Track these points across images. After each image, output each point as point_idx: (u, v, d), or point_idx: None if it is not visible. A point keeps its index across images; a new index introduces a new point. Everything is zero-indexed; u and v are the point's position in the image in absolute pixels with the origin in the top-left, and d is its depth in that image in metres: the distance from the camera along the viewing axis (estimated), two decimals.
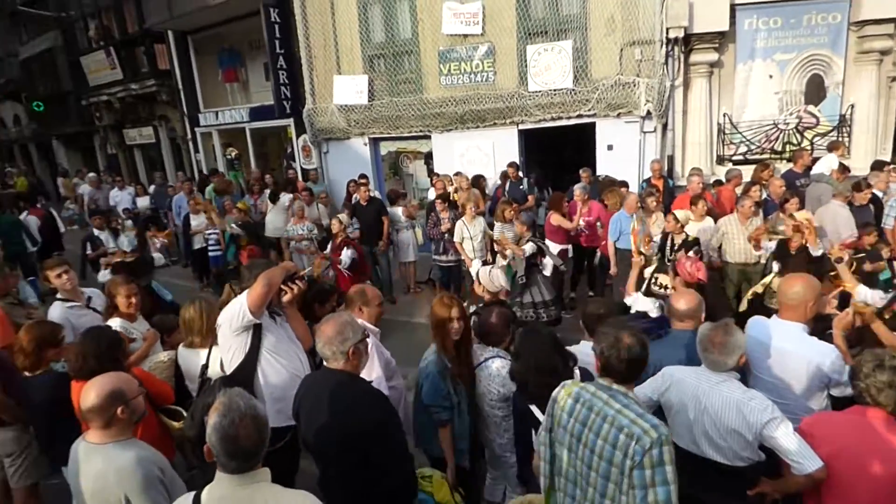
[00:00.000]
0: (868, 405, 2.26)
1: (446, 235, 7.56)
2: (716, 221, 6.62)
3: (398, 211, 8.47)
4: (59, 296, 4.17)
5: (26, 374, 3.20)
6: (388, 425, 2.50)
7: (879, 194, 6.78)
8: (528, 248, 6.48)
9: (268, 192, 9.82)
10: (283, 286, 3.06)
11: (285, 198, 9.01)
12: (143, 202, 12.24)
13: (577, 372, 2.75)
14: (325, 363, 2.54)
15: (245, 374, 2.97)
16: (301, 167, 11.99)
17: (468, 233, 7.21)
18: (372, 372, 3.09)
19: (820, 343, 2.85)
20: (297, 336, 3.24)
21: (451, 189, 8.56)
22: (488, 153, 9.94)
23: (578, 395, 2.20)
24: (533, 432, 2.75)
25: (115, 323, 3.68)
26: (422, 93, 10.11)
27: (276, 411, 2.93)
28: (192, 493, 1.87)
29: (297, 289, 3.14)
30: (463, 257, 7.35)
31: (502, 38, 9.35)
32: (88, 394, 2.20)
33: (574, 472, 2.16)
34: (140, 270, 5.41)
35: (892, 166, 7.47)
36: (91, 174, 14.84)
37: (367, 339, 2.64)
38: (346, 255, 7.25)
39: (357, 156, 10.99)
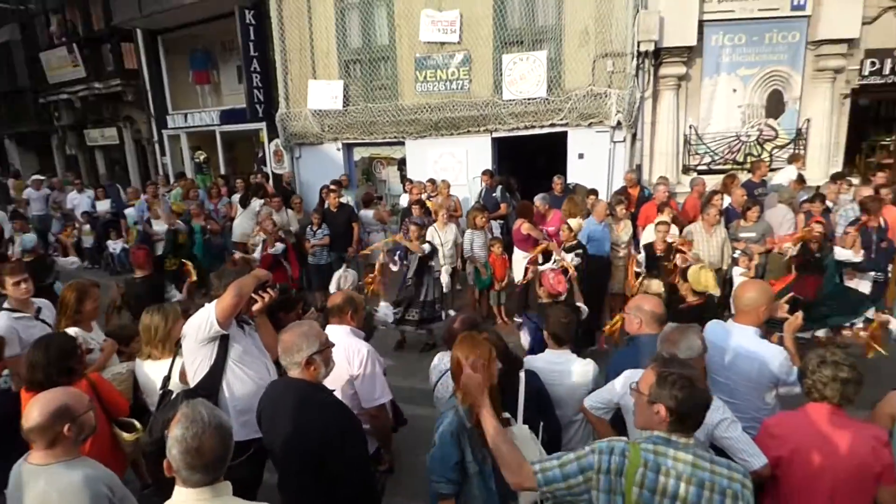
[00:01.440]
0: (817, 400, 2.38)
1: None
2: (681, 229, 6.78)
3: (369, 214, 8.44)
4: (5, 305, 3.88)
5: None
6: (346, 436, 2.47)
7: (830, 205, 7.03)
8: (426, 247, 6.63)
9: (236, 196, 9.64)
10: (253, 295, 3.01)
11: (256, 203, 8.86)
12: (103, 206, 11.85)
13: (521, 376, 2.78)
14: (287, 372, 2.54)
15: (210, 387, 2.88)
16: (272, 172, 11.83)
17: (439, 239, 7.20)
18: (376, 383, 3.10)
19: (771, 346, 2.98)
20: (266, 345, 3.17)
21: (424, 196, 8.55)
22: (461, 160, 9.98)
23: (657, 464, 1.86)
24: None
25: (71, 332, 3.53)
26: (397, 99, 10.10)
27: (242, 423, 2.86)
28: None
29: (269, 297, 3.09)
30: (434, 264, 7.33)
31: (478, 46, 9.41)
32: (31, 412, 2.07)
33: None
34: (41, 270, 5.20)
35: (842, 180, 7.76)
36: (35, 176, 14.19)
37: (331, 350, 2.58)
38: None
39: (330, 161, 10.90)
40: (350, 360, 3.05)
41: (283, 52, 10.65)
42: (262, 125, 11.74)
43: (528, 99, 9.17)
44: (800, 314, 3.20)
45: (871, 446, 2.25)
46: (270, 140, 11.72)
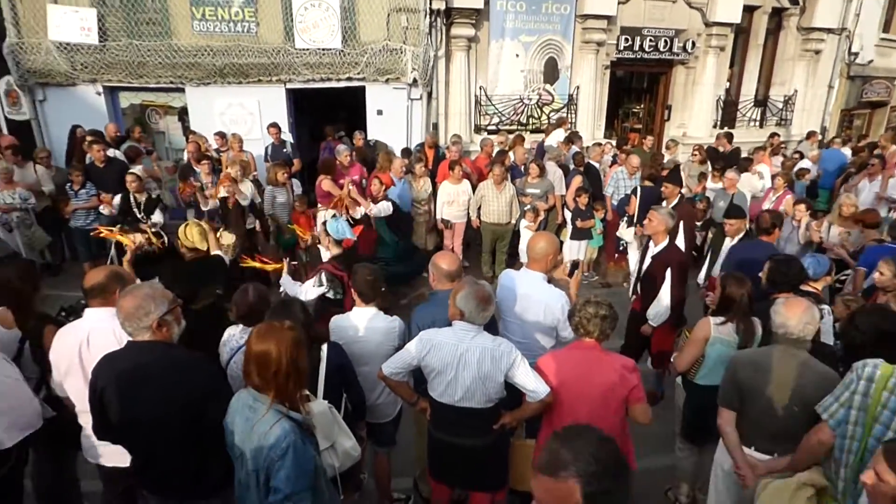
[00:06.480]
0: (582, 336, 2.74)
1: (210, 202, 6.83)
2: (473, 185, 7.23)
3: (138, 170, 7.38)
4: None
5: None
6: (221, 382, 2.50)
7: (595, 165, 8.16)
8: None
9: None
10: None
11: None
12: None
13: (324, 350, 2.77)
14: (129, 339, 2.37)
15: None
16: (6, 117, 9.52)
17: None
18: None
19: (554, 289, 3.36)
20: None
21: (211, 149, 7.72)
22: (253, 112, 9.19)
23: None
24: None
25: None
26: (170, 37, 8.78)
27: (6, 426, 2.60)
28: None
29: None
30: None
31: None
32: None
33: None
34: None
35: (605, 143, 9.05)
36: None
37: (179, 308, 2.46)
38: None
39: (88, 107, 9.12)
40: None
41: None
42: None
43: (323, 49, 8.76)
44: (579, 273, 3.67)
45: (620, 374, 2.66)
46: (0, 77, 9.37)
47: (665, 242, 4.37)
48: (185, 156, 7.84)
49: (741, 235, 5.02)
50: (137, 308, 2.28)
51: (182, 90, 9.12)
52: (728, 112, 11.86)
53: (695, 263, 6.35)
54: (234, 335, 3.04)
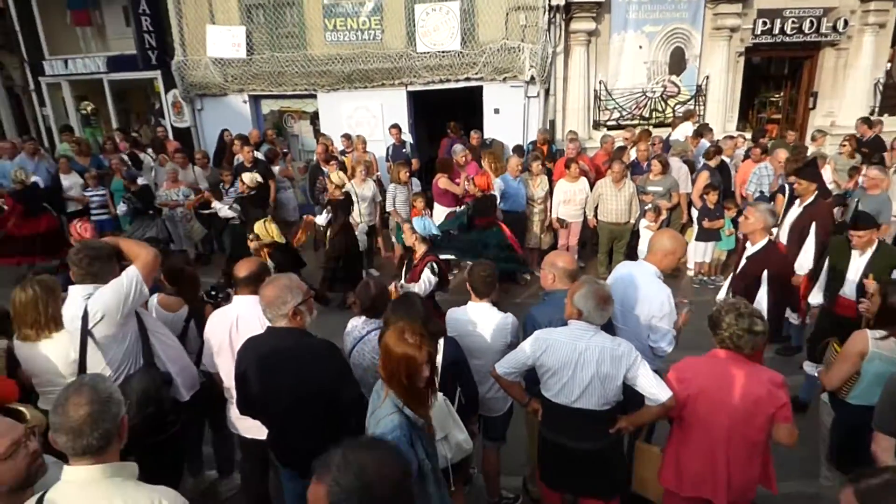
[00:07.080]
0: (728, 349, 2.54)
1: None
2: (592, 183, 7.06)
3: (275, 170, 8.16)
4: None
5: None
6: (348, 367, 2.71)
7: (727, 160, 7.57)
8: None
9: (124, 153, 8.75)
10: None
11: (147, 159, 8.19)
12: None
13: (440, 343, 2.81)
14: (269, 324, 2.61)
15: (151, 360, 2.78)
16: (172, 125, 10.96)
17: (356, 196, 7.06)
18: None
19: (660, 286, 3.23)
20: None
21: (337, 151, 8.30)
22: (377, 115, 9.72)
23: None
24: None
25: None
26: (306, 48, 9.59)
27: (182, 384, 2.95)
28: (37, 496, 1.64)
29: None
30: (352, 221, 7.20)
31: None
32: None
33: None
34: None
35: (738, 136, 8.36)
36: None
37: (312, 299, 2.67)
38: None
39: (236, 114, 10.25)
40: None
41: None
42: (157, 74, 10.77)
43: (443, 52, 9.02)
44: (687, 315, 3.41)
45: (768, 389, 2.45)
46: (168, 90, 10.80)
47: (763, 242, 3.87)
48: (315, 157, 8.49)
49: (874, 248, 4.03)
50: (277, 297, 2.49)
51: (314, 96, 9.89)
52: (889, 97, 10.40)
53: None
54: (356, 326, 3.16)
